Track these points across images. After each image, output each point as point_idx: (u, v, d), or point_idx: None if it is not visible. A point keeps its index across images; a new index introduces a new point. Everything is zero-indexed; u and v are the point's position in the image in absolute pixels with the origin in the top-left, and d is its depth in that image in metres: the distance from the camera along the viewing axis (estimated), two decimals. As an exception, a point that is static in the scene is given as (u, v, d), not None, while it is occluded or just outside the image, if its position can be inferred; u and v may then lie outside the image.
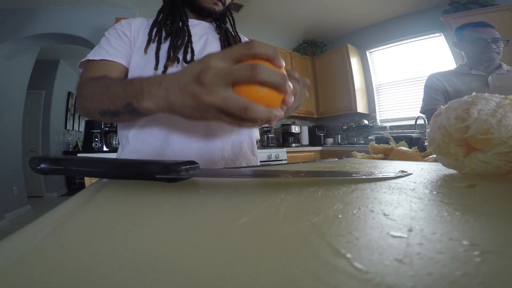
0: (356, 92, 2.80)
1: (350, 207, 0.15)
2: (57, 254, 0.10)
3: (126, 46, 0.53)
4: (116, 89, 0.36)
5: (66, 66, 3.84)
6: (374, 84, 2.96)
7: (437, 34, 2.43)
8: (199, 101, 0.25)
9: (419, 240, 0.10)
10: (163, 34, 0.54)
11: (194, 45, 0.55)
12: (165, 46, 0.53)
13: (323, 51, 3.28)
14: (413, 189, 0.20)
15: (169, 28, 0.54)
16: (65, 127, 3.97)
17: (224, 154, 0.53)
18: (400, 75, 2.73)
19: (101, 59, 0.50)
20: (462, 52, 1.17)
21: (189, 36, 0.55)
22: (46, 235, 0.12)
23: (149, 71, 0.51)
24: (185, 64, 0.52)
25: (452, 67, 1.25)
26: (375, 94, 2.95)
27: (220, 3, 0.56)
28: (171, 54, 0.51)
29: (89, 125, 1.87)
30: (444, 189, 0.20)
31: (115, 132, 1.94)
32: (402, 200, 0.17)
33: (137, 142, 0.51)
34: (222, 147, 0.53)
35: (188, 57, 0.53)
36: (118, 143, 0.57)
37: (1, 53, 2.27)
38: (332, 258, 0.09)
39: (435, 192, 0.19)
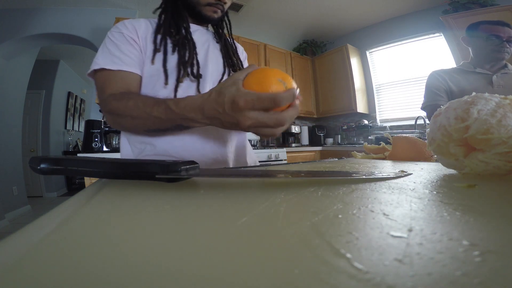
0: (356, 92, 2.80)
1: (350, 207, 0.15)
2: (57, 254, 0.10)
3: (137, 53, 0.52)
4: (158, 115, 0.40)
5: (66, 66, 3.84)
6: (374, 84, 2.96)
7: (437, 34, 2.43)
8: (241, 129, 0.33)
9: (419, 240, 0.10)
10: (169, 43, 0.54)
11: (197, 54, 0.56)
12: (172, 58, 0.53)
13: (323, 51, 3.28)
14: (413, 189, 0.20)
15: (174, 38, 0.54)
16: (65, 127, 3.96)
17: (231, 155, 0.58)
18: (400, 75, 2.73)
19: (118, 70, 0.49)
20: (470, 48, 1.15)
21: (194, 46, 0.55)
22: (46, 235, 0.12)
23: (160, 85, 0.51)
24: (193, 78, 0.54)
25: (453, 67, 1.24)
26: (375, 94, 2.95)
27: (219, 11, 0.57)
28: (181, 70, 0.52)
29: (89, 125, 1.87)
30: (444, 189, 0.20)
31: (115, 132, 1.94)
32: (402, 200, 0.17)
33: (161, 143, 0.52)
34: (230, 150, 0.58)
35: (195, 70, 0.54)
36: (118, 143, 0.58)
37: (1, 53, 2.27)
38: (332, 258, 0.09)
39: (435, 192, 0.19)
